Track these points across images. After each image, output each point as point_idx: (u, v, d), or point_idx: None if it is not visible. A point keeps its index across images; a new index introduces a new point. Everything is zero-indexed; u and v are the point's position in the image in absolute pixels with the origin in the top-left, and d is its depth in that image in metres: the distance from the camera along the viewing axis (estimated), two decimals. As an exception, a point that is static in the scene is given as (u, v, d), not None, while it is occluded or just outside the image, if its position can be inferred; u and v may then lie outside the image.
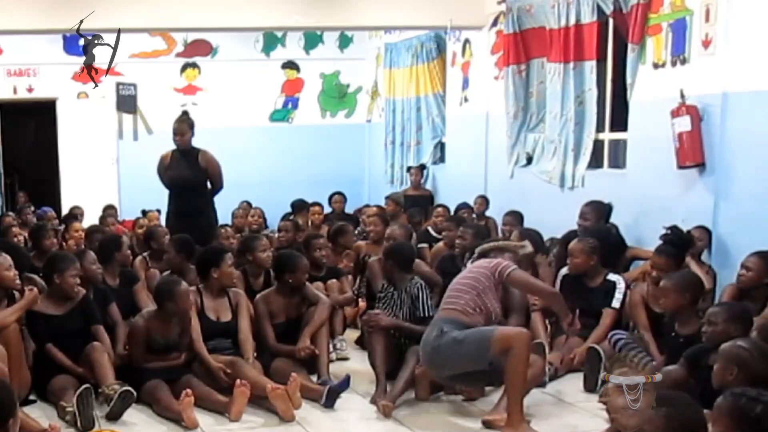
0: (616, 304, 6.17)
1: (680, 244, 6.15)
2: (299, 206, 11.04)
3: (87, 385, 5.11)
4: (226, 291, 6.03)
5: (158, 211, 9.84)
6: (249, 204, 11.06)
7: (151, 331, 5.65)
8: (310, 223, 10.24)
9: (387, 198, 10.57)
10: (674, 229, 6.27)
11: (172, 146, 8.33)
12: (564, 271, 6.47)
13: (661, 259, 6.07)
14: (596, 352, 5.66)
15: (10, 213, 10.64)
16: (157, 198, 9.07)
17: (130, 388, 5.20)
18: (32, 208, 11.03)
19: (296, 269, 6.03)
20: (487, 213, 9.82)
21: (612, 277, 6.28)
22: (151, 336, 5.64)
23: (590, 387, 5.60)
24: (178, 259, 6.93)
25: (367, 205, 11.12)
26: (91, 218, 9.84)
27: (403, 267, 6.01)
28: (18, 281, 5.56)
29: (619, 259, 6.88)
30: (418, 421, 5.20)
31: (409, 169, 11.77)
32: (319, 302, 6.07)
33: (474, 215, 9.45)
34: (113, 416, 5.18)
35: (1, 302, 5.49)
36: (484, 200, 9.92)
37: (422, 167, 11.67)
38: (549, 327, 6.45)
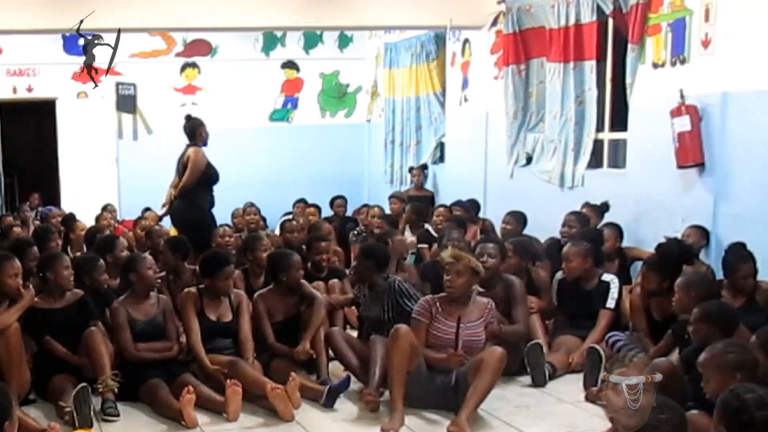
0: (610, 304, 6.20)
1: (674, 258, 6.01)
2: (298, 206, 11.05)
3: (84, 384, 5.11)
4: (226, 292, 6.04)
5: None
6: (253, 205, 11.03)
7: (130, 312, 5.71)
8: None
9: (391, 197, 10.55)
10: (672, 241, 6.21)
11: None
12: (559, 275, 6.49)
13: (647, 271, 6.03)
14: (596, 351, 5.66)
15: (11, 213, 10.63)
16: (158, 198, 9.06)
17: (119, 380, 5.30)
18: (39, 209, 11.01)
19: (290, 268, 6.03)
20: (487, 214, 9.79)
21: (606, 277, 6.31)
22: (131, 317, 5.68)
23: (590, 387, 5.60)
24: (173, 260, 6.91)
25: (366, 205, 11.11)
26: (90, 219, 9.82)
27: (381, 267, 6.12)
28: (21, 289, 5.57)
29: (602, 260, 6.82)
30: (419, 421, 5.20)
31: (411, 169, 11.76)
32: (316, 302, 6.06)
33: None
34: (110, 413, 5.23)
35: (2, 303, 5.49)
36: (474, 204, 9.71)
37: (424, 167, 11.67)
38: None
